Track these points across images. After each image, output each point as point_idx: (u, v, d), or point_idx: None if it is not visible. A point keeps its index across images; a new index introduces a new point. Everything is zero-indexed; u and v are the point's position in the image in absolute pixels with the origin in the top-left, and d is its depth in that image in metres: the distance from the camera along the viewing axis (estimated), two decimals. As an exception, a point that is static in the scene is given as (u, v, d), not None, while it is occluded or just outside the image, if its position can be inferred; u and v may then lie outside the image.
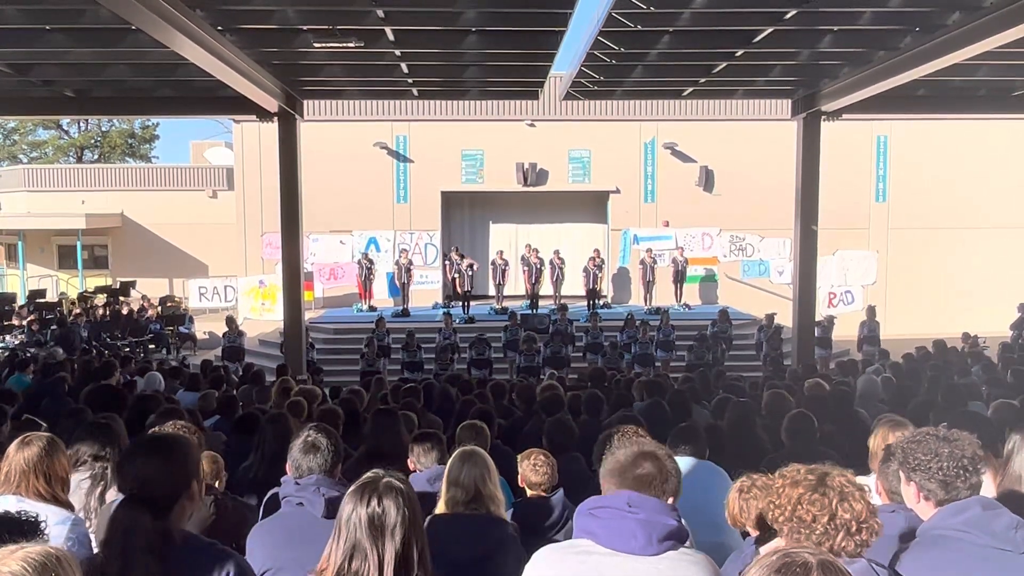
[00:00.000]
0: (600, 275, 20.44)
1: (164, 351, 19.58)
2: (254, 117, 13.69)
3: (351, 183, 21.95)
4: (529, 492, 4.16)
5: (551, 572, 2.43)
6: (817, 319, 15.59)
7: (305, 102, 14.27)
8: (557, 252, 20.91)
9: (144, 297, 22.44)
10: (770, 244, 21.74)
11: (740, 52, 11.49)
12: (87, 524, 3.39)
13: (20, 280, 25.82)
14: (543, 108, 20.29)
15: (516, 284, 21.98)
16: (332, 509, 2.87)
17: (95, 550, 3.15)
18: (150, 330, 19.85)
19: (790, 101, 14.84)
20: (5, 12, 9.86)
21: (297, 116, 13.79)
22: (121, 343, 18.66)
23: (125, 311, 20.44)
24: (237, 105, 13.09)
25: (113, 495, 3.58)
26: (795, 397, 7.21)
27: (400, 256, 20.61)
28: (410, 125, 22.48)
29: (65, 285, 26.23)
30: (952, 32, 9.84)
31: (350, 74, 12.93)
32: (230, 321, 17.10)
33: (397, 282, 20.66)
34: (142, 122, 41.97)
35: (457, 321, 17.63)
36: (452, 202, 23.84)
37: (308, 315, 17.06)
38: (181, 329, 20.59)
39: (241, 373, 13.16)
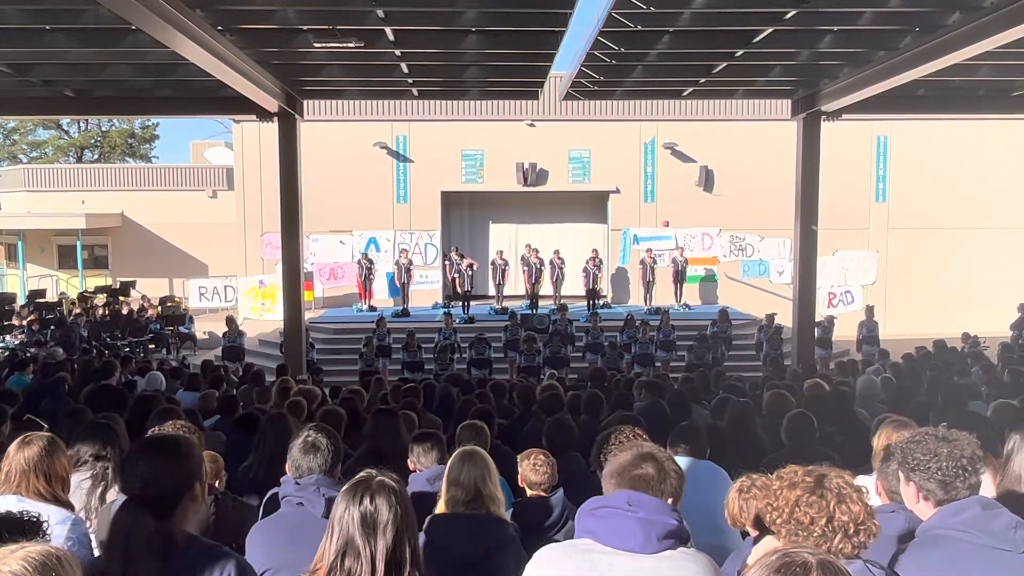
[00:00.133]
0: (599, 275, 20.45)
1: (164, 351, 19.57)
2: (254, 117, 13.70)
3: (351, 183, 21.95)
4: (529, 492, 4.16)
5: (552, 571, 2.44)
6: (817, 319, 15.60)
7: (305, 102, 14.28)
8: (557, 252, 20.92)
9: (144, 297, 22.43)
10: (770, 244, 21.74)
11: (740, 52, 11.49)
12: (87, 524, 3.39)
13: (20, 280, 25.82)
14: (543, 108, 20.29)
15: (516, 284, 21.98)
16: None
17: (95, 550, 3.16)
18: (150, 330, 19.85)
19: (790, 101, 14.84)
20: (5, 12, 9.86)
21: (297, 116, 13.79)
22: (121, 343, 18.66)
23: (125, 311, 20.44)
24: (237, 105, 13.10)
25: (113, 495, 3.59)
26: (795, 397, 7.21)
27: (400, 256, 20.61)
28: (410, 125, 22.48)
29: (65, 285, 26.23)
30: (952, 32, 9.84)
31: (350, 74, 12.93)
32: (230, 321, 17.10)
33: (397, 282, 20.66)
34: (142, 122, 42.00)
35: (457, 321, 17.63)
36: (452, 202, 23.85)
37: (308, 315, 17.07)
38: (181, 329, 20.59)
39: (241, 373, 13.16)
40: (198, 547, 2.49)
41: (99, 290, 23.90)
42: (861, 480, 3.39)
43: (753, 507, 3.18)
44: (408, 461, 4.30)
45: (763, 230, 21.57)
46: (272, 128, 13.76)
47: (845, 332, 17.99)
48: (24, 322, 18.47)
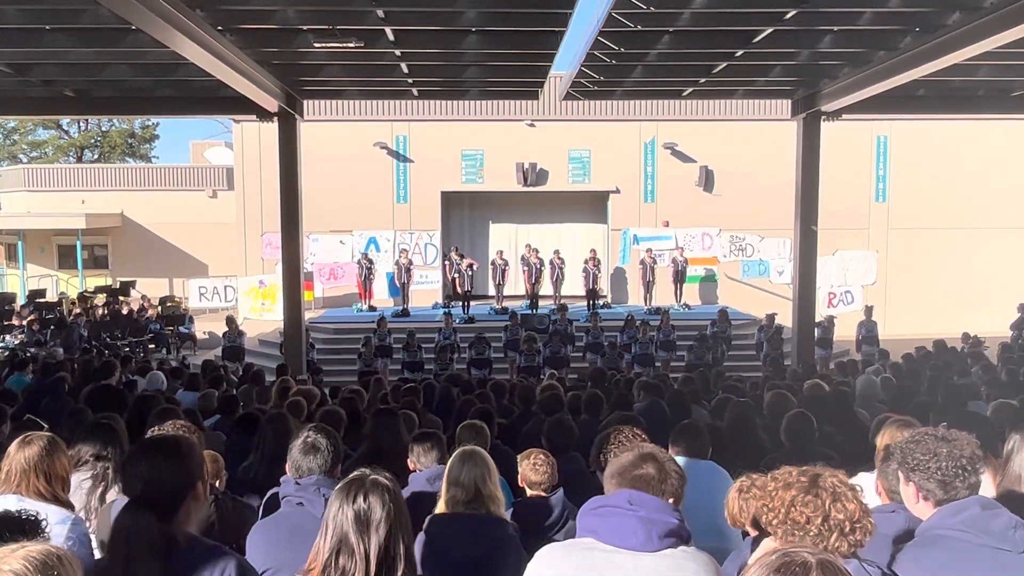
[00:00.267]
0: (599, 275, 20.46)
1: (164, 351, 19.58)
2: (254, 117, 13.70)
3: (351, 183, 21.96)
4: (529, 492, 4.16)
5: (554, 569, 2.45)
6: (817, 319, 15.60)
7: (305, 102, 14.28)
8: (557, 252, 20.92)
9: (144, 297, 22.44)
10: (770, 244, 21.74)
11: (740, 52, 11.49)
12: (87, 524, 3.40)
13: (20, 280, 25.82)
14: (543, 108, 20.30)
15: (516, 284, 21.99)
16: (333, 509, 2.87)
17: (95, 550, 3.16)
18: (150, 330, 19.85)
19: (790, 101, 14.84)
20: (5, 12, 9.86)
21: (297, 116, 13.79)
22: (121, 343, 18.67)
23: (125, 311, 20.44)
24: (237, 105, 13.10)
25: (113, 495, 3.59)
26: (796, 397, 7.21)
27: (400, 256, 20.61)
28: (410, 125, 22.48)
29: (65, 285, 26.23)
30: (952, 32, 9.84)
31: (350, 74, 12.93)
32: (230, 321, 17.11)
33: (397, 282, 20.66)
34: (142, 122, 42.00)
35: (457, 321, 17.63)
36: (452, 202, 23.85)
37: (308, 315, 17.07)
38: (181, 329, 20.59)
39: (241, 373, 13.16)
40: (199, 548, 2.49)
41: (99, 290, 23.90)
42: (862, 477, 3.41)
43: (753, 507, 3.18)
44: (408, 461, 4.30)
45: (763, 230, 21.57)
46: (272, 128, 13.76)
47: (844, 332, 17.99)
48: (24, 322, 18.48)
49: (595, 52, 11.28)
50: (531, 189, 22.90)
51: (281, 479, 3.48)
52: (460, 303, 20.15)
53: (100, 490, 3.75)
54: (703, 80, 13.20)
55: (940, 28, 10.07)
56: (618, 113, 21.97)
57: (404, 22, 10.08)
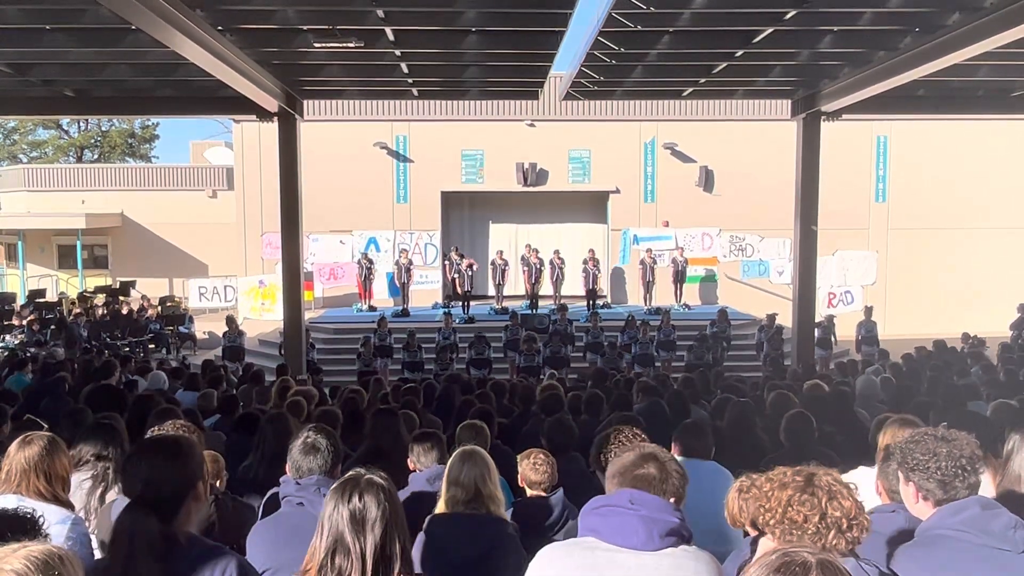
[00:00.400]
0: (599, 275, 20.46)
1: (164, 351, 19.58)
2: (254, 117, 13.70)
3: (351, 183, 21.95)
4: (529, 492, 4.16)
5: (555, 568, 2.45)
6: (817, 319, 15.59)
7: (305, 102, 14.27)
8: (557, 252, 20.92)
9: (144, 297, 22.44)
10: (770, 244, 21.74)
11: (740, 52, 11.49)
12: (87, 524, 3.40)
13: (20, 280, 25.82)
14: (543, 108, 20.29)
15: (516, 284, 21.99)
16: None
17: (95, 549, 3.17)
18: (150, 330, 19.85)
19: (790, 101, 14.84)
20: (5, 12, 9.86)
21: (297, 116, 13.79)
22: (121, 343, 18.66)
23: (125, 311, 20.44)
24: (237, 105, 13.10)
25: (113, 495, 3.59)
26: (797, 398, 7.21)
27: (400, 256, 20.61)
28: (410, 125, 22.48)
29: (65, 285, 26.23)
30: (952, 32, 9.84)
31: (350, 74, 12.93)
32: (230, 321, 17.11)
33: (397, 282, 20.66)
34: (142, 122, 42.00)
35: (457, 321, 17.64)
36: (452, 202, 23.85)
37: (308, 315, 17.07)
38: (181, 329, 20.59)
39: (241, 373, 13.16)
40: (200, 548, 2.49)
41: (99, 290, 23.91)
42: (863, 472, 3.41)
43: (752, 507, 3.18)
44: (408, 461, 4.30)
45: (763, 230, 21.57)
46: (272, 128, 13.76)
47: (844, 332, 17.99)
48: (24, 322, 18.49)
49: (595, 52, 11.28)
50: (531, 189, 22.90)
51: (281, 479, 3.49)
52: (460, 303, 20.15)
53: (100, 490, 3.76)
54: (703, 80, 13.20)
55: (940, 28, 10.07)
56: (618, 113, 21.97)
57: (404, 22, 10.08)
